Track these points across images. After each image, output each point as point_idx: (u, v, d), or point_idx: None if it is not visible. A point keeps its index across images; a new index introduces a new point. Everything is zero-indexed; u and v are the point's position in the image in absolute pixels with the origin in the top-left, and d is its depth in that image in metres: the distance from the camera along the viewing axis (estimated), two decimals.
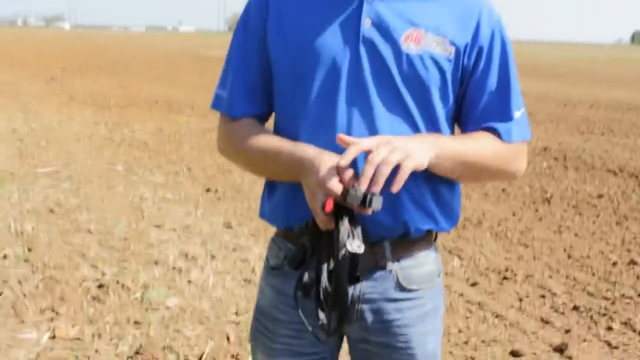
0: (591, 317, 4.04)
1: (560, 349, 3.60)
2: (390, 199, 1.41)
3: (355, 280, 1.34)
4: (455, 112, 1.55)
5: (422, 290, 1.55)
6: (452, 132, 1.55)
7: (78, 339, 3.43)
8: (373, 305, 1.51)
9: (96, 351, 3.31)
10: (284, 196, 1.52)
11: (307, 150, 1.39)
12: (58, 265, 4.42)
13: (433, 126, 1.48)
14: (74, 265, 4.47)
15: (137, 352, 3.29)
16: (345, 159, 1.30)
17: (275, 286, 1.58)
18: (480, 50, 1.50)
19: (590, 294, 4.38)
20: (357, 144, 1.32)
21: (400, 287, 1.52)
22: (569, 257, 5.12)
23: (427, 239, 1.56)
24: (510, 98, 1.52)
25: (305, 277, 1.38)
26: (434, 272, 1.59)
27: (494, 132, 1.50)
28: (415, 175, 1.38)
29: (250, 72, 1.55)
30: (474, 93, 1.52)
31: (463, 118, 1.55)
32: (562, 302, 4.24)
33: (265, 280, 1.63)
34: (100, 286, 4.11)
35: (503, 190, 7.15)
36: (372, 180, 1.28)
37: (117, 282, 4.17)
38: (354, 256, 1.29)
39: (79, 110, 12.61)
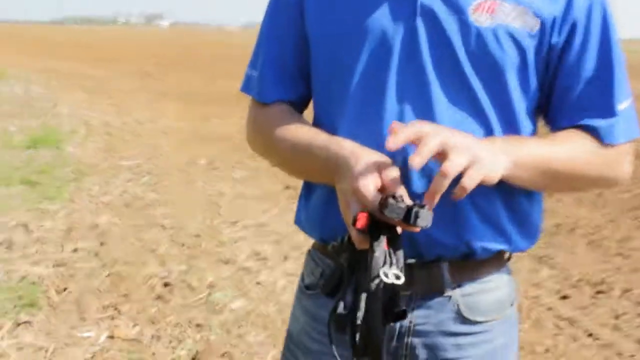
0: None
1: None
2: (449, 210, 1.14)
3: (396, 317, 1.06)
4: (540, 104, 1.25)
5: (489, 323, 1.26)
6: (535, 131, 1.26)
7: (136, 340, 3.30)
8: (426, 340, 1.23)
9: (153, 354, 3.16)
10: (321, 201, 1.26)
11: (344, 145, 1.13)
12: (126, 261, 4.32)
13: (509, 122, 1.20)
14: (143, 261, 4.36)
15: (193, 359, 3.12)
16: (393, 143, 1.01)
17: (309, 310, 1.32)
18: (575, 24, 1.19)
19: None
20: (413, 128, 1.04)
21: (462, 319, 1.24)
22: None
23: (497, 259, 1.27)
24: (613, 86, 1.20)
25: (340, 307, 1.10)
26: (506, 300, 1.30)
27: (592, 131, 1.20)
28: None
29: (284, 51, 1.31)
30: (566, 80, 1.21)
31: (551, 113, 1.24)
32: None
33: (299, 301, 1.38)
34: (166, 285, 3.98)
35: (599, 194, 6.65)
36: (427, 193, 1.03)
37: (184, 280, 4.03)
38: (393, 287, 1.01)
39: (169, 105, 12.76)
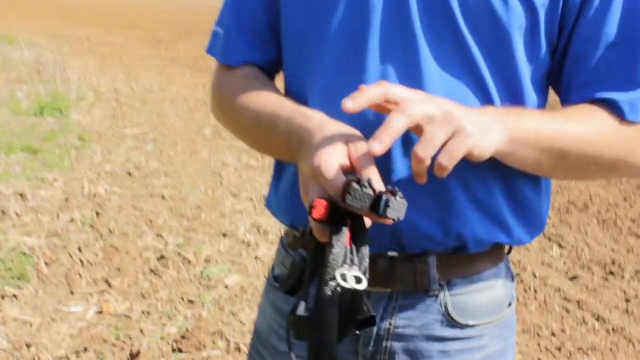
0: None
1: None
2: (437, 196, 0.99)
3: (362, 325, 0.87)
4: (550, 74, 1.06)
5: (481, 327, 1.10)
6: (542, 106, 1.08)
7: (125, 315, 3.19)
8: (408, 345, 1.08)
9: (141, 331, 3.05)
10: (290, 182, 1.11)
11: (311, 116, 0.96)
12: (122, 233, 4.21)
13: (512, 93, 1.02)
14: (139, 233, 4.24)
15: (183, 337, 3.00)
16: (350, 103, 0.85)
17: (277, 304, 1.18)
18: None
19: None
20: (378, 88, 0.87)
21: (450, 321, 1.08)
22: None
23: (494, 253, 1.11)
24: (639, 53, 1.01)
25: (301, 308, 0.91)
26: (502, 300, 1.14)
27: (612, 106, 1.00)
28: (479, 165, 0.94)
29: (253, 5, 1.15)
30: (582, 45, 1.01)
31: (563, 84, 1.05)
32: None
33: (266, 294, 1.23)
34: (161, 257, 3.87)
35: None
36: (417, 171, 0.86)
37: (179, 254, 3.91)
38: (354, 293, 0.82)
39: (179, 73, 12.58)
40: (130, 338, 2.98)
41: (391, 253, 1.03)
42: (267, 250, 4.11)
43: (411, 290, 1.06)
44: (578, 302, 3.65)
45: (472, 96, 1.00)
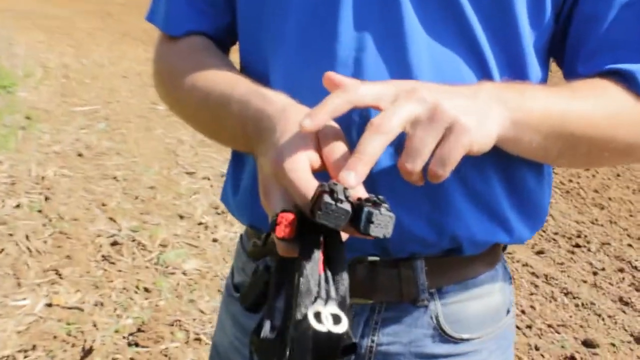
0: None
1: None
2: (427, 190, 0.83)
3: (342, 353, 0.68)
4: (553, 40, 0.91)
5: (478, 340, 0.96)
6: (544, 80, 0.93)
7: (77, 308, 3.00)
8: None
9: (94, 325, 2.88)
10: (251, 177, 0.95)
11: (272, 99, 0.80)
12: (73, 218, 3.99)
13: (513, 64, 0.87)
14: (91, 217, 4.03)
15: (140, 329, 2.84)
16: (318, 117, 0.69)
17: (239, 319, 1.03)
18: None
19: None
20: (354, 89, 0.72)
21: (442, 336, 0.94)
22: None
23: (490, 253, 0.97)
24: None
25: (266, 329, 0.75)
26: (500, 307, 1.00)
27: (627, 79, 0.85)
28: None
29: None
30: (592, 5, 0.87)
31: (568, 52, 0.90)
32: None
33: (225, 306, 1.08)
34: (114, 243, 3.67)
35: None
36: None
37: (134, 239, 3.72)
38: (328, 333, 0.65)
39: (131, 47, 12.20)
40: (82, 333, 2.81)
41: (372, 258, 0.89)
42: (226, 232, 3.96)
43: (396, 301, 0.92)
44: (546, 276, 3.58)
45: (466, 67, 0.85)
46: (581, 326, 3.12)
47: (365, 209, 0.64)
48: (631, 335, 3.06)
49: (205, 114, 0.91)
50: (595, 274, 3.65)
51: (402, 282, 0.90)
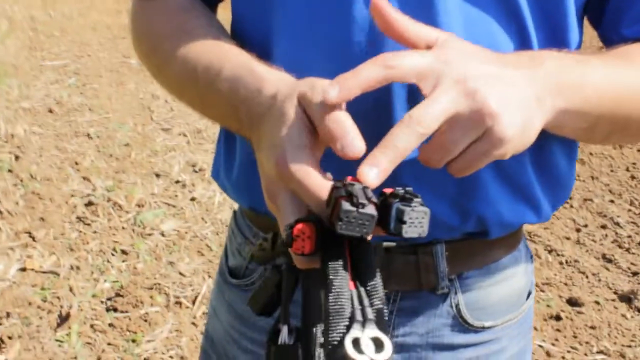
0: None
1: (627, 298, 3.00)
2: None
3: None
4: (588, 2, 0.82)
5: (499, 327, 0.89)
6: (580, 44, 0.83)
7: (52, 272, 2.91)
8: (411, 356, 0.87)
9: (70, 289, 2.79)
10: (247, 156, 0.85)
11: (266, 76, 0.69)
12: (45, 178, 3.87)
13: (552, 28, 0.77)
14: (64, 177, 3.91)
15: (118, 294, 2.76)
16: (348, 87, 0.59)
17: (235, 307, 0.94)
18: None
19: None
20: (396, 59, 0.61)
21: (463, 325, 0.87)
22: (633, 177, 4.42)
23: (514, 235, 0.89)
24: None
25: (284, 334, 0.68)
26: (522, 291, 0.93)
27: None
28: None
29: None
30: None
31: (611, 12, 0.81)
32: (626, 234, 3.59)
33: (220, 292, 0.99)
34: (89, 204, 3.56)
35: None
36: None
37: (109, 199, 3.61)
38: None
39: None
40: (58, 298, 2.72)
41: (387, 244, 0.80)
42: (204, 191, 3.86)
43: (414, 289, 0.84)
44: (529, 234, 3.55)
45: (503, 33, 0.75)
46: (565, 284, 3.10)
47: (395, 207, 0.55)
48: (615, 293, 3.05)
49: (190, 89, 0.80)
50: (578, 230, 3.62)
51: (421, 270, 0.83)
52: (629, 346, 2.75)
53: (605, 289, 3.08)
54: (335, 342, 0.51)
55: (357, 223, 0.54)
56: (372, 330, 0.51)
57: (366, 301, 0.53)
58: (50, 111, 5.19)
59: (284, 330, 0.68)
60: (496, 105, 0.60)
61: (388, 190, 0.58)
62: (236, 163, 0.88)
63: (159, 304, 2.75)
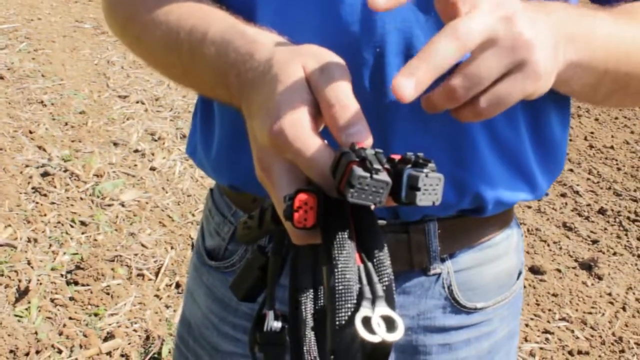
0: (620, 223, 3.45)
1: (588, 266, 3.04)
2: (449, 140, 0.72)
3: None
4: None
5: (491, 309, 0.88)
6: None
7: (9, 245, 2.82)
8: (401, 339, 0.83)
9: (28, 263, 2.71)
10: (228, 132, 0.81)
11: (256, 38, 0.64)
12: None
13: None
14: (17, 146, 3.79)
15: (78, 266, 2.69)
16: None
17: (214, 290, 0.91)
18: None
19: (617, 194, 3.78)
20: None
21: (455, 306, 0.85)
22: (591, 147, 4.47)
23: (507, 212, 0.88)
24: None
25: (270, 320, 0.64)
26: (513, 270, 0.91)
27: None
28: None
29: None
30: None
31: None
32: (586, 203, 3.64)
33: (197, 274, 0.94)
34: (45, 174, 3.46)
35: None
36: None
37: (66, 169, 3.51)
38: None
39: None
40: (16, 272, 2.64)
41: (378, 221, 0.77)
42: (164, 160, 3.78)
43: (405, 270, 0.81)
44: None
45: None
46: (527, 252, 3.13)
47: (407, 173, 0.51)
48: (576, 260, 3.09)
49: (173, 58, 0.74)
50: (538, 200, 3.66)
51: (412, 249, 0.80)
52: (590, 313, 2.80)
53: (566, 257, 3.12)
54: (343, 322, 0.48)
55: (370, 191, 0.50)
56: (383, 309, 0.48)
57: (375, 277, 0.50)
58: (1, 77, 5.01)
59: (270, 315, 0.65)
60: (533, 36, 0.57)
61: (396, 157, 0.54)
62: (215, 139, 0.83)
63: (121, 277, 2.70)
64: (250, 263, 0.70)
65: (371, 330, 0.46)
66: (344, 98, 0.55)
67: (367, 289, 0.49)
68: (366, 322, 0.47)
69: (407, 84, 0.52)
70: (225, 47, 0.66)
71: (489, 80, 0.56)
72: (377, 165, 0.50)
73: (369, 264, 0.51)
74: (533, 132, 0.80)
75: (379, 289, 0.49)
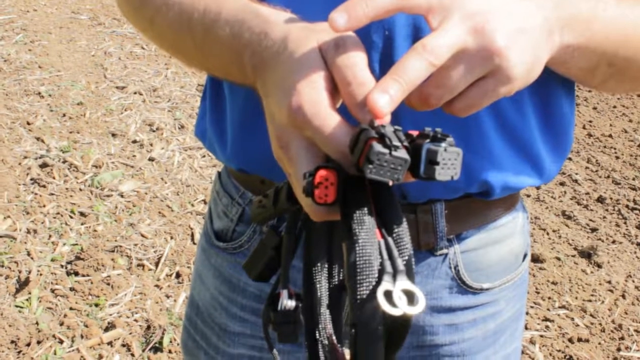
0: (619, 211, 3.46)
1: (587, 254, 3.04)
2: (457, 125, 0.72)
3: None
4: None
5: (497, 289, 0.88)
6: None
7: (9, 236, 2.82)
8: None
9: (28, 254, 2.71)
10: (239, 114, 0.81)
11: (272, 18, 0.64)
12: None
13: None
14: (16, 137, 3.78)
15: (78, 257, 2.69)
16: (356, 13, 0.56)
17: (223, 272, 0.91)
18: None
19: (615, 182, 3.78)
20: None
21: (461, 287, 0.85)
22: (589, 135, 4.47)
23: (513, 196, 0.88)
24: None
25: (284, 299, 0.65)
26: (519, 251, 0.92)
27: None
28: None
29: None
30: None
31: None
32: (584, 191, 3.64)
33: (206, 256, 0.95)
34: (44, 165, 3.45)
35: None
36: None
37: (64, 160, 3.50)
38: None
39: None
40: (16, 263, 2.64)
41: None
42: (163, 151, 3.78)
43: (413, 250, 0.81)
44: None
45: None
46: None
47: (425, 147, 0.51)
48: (575, 249, 3.10)
49: (186, 39, 0.74)
50: (538, 187, 3.66)
51: (420, 229, 0.81)
52: (589, 300, 2.81)
53: (565, 245, 3.13)
54: (364, 296, 0.48)
55: (388, 167, 0.50)
56: (404, 282, 0.48)
57: (395, 252, 0.51)
58: None
59: (284, 294, 0.65)
60: (505, 42, 0.58)
61: (414, 132, 0.54)
62: (226, 123, 0.83)
63: (121, 267, 2.69)
64: (263, 243, 0.70)
65: (393, 304, 0.47)
66: (360, 75, 0.56)
67: (388, 264, 0.49)
68: (388, 295, 0.47)
69: (381, 99, 0.53)
70: (239, 27, 0.66)
71: (459, 88, 0.58)
72: (396, 142, 0.50)
73: (389, 239, 0.52)
74: (541, 116, 0.80)
75: (400, 264, 0.50)
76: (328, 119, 0.55)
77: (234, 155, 0.84)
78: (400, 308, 0.47)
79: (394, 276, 0.49)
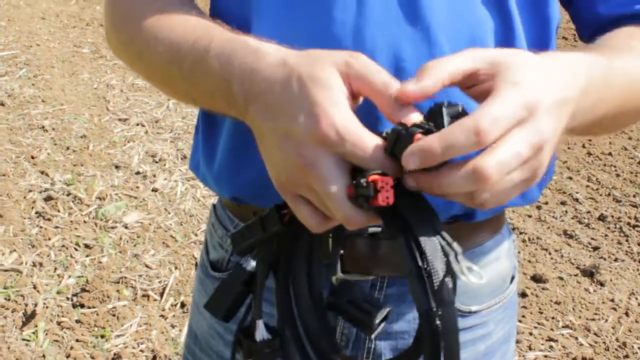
0: (620, 229, 3.47)
1: (590, 272, 3.06)
2: None
3: None
4: None
5: (486, 311, 0.91)
6: (559, 17, 0.83)
7: (14, 270, 2.84)
8: (397, 343, 0.87)
9: (34, 287, 2.73)
10: (230, 144, 0.84)
11: (262, 50, 0.66)
12: (1, 173, 3.77)
13: (534, 13, 0.77)
14: (20, 172, 3.82)
15: (84, 289, 2.71)
16: (430, 79, 0.59)
17: None
18: None
19: (616, 200, 3.80)
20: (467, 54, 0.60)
21: None
22: (589, 154, 4.50)
23: (498, 217, 0.91)
24: None
25: (261, 330, 0.68)
26: (506, 274, 0.94)
27: None
28: None
29: None
30: None
31: None
32: (585, 210, 3.66)
33: (202, 286, 0.98)
34: (48, 198, 3.49)
35: None
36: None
37: (69, 193, 3.54)
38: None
39: None
40: (22, 296, 2.66)
41: (372, 229, 0.79)
42: (166, 181, 3.81)
43: (400, 275, 0.84)
44: None
45: (483, 9, 0.75)
46: (529, 261, 3.15)
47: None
48: (577, 268, 3.11)
49: (175, 71, 0.76)
50: (539, 208, 3.68)
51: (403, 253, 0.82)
52: (593, 319, 2.82)
53: (567, 264, 3.14)
54: (440, 278, 0.57)
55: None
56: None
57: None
58: (2, 104, 5.06)
59: (261, 325, 0.68)
60: (552, 131, 0.58)
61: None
62: (217, 153, 0.86)
63: (126, 298, 2.72)
64: (230, 280, 0.72)
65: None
66: (387, 77, 0.61)
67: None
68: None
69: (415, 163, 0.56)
70: (228, 57, 0.68)
71: (513, 195, 0.59)
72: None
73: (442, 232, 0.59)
74: None
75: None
76: (360, 134, 0.59)
77: (225, 184, 0.86)
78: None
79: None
